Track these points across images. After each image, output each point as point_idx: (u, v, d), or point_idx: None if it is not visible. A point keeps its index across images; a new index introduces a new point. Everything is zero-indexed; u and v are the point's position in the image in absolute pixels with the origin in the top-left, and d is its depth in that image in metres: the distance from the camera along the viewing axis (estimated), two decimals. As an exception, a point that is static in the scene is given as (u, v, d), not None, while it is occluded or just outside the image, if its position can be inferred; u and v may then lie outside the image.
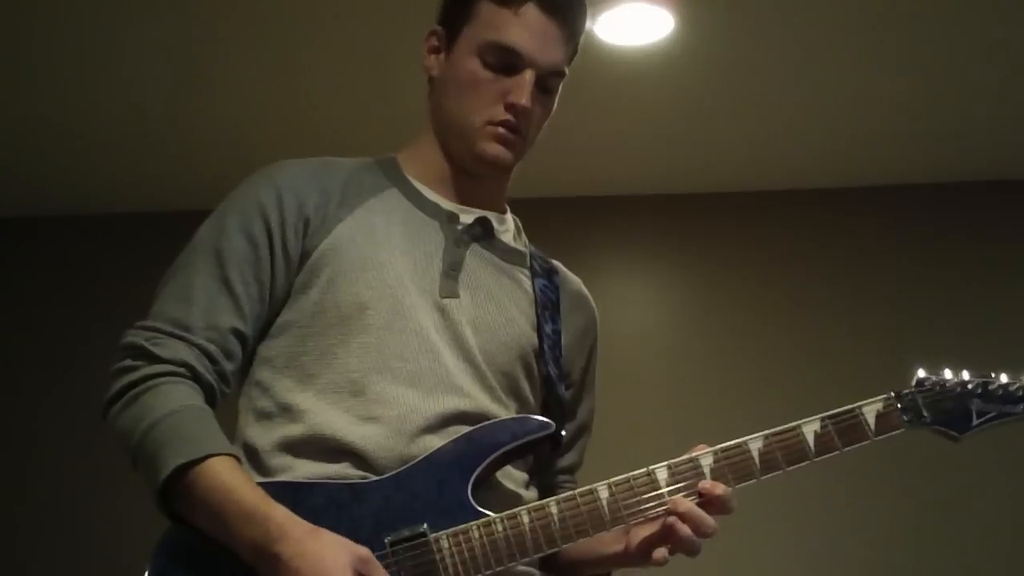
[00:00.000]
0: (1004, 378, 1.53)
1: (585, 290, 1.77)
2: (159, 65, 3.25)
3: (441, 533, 1.35)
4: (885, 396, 1.48)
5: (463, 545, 1.36)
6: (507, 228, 1.68)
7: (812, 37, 3.29)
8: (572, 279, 1.76)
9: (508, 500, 1.48)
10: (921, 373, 1.53)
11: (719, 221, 4.13)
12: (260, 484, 1.36)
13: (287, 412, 1.46)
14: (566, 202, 4.09)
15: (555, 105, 1.61)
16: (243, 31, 3.13)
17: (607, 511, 1.40)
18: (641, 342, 4.01)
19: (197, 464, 1.33)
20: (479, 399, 1.50)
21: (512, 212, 1.71)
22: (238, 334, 1.48)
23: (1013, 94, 3.60)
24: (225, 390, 1.48)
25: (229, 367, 1.47)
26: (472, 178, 1.61)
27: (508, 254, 1.65)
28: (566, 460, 1.71)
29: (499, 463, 1.46)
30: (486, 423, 1.47)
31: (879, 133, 3.83)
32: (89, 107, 3.49)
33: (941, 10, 3.14)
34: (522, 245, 1.70)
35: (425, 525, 1.35)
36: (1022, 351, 3.80)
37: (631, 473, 1.42)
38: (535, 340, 1.60)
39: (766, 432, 1.44)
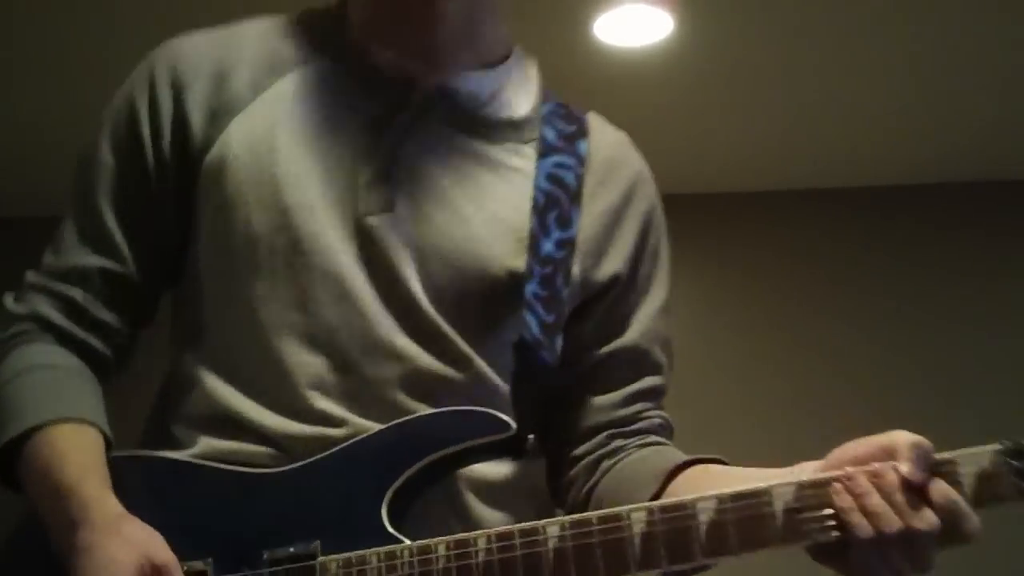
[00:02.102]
0: None
1: (626, 148, 1.27)
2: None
3: (332, 558, 1.02)
4: (995, 447, 0.97)
5: None
6: (495, 88, 1.20)
7: (812, 37, 3.29)
8: (607, 139, 1.25)
9: (464, 515, 1.11)
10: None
11: (719, 222, 4.12)
12: (129, 457, 1.12)
13: (184, 378, 1.16)
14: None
15: None
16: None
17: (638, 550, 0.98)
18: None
19: (27, 439, 1.08)
20: (420, 361, 1.10)
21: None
22: (110, 275, 1.16)
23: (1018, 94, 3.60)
24: (106, 345, 1.18)
25: (107, 316, 1.17)
26: (436, 16, 1.15)
27: (492, 131, 1.18)
28: (611, 394, 1.19)
29: (435, 472, 1.07)
30: (422, 414, 1.08)
31: (879, 133, 3.83)
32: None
33: (942, 10, 3.15)
34: (528, 107, 1.22)
35: (318, 543, 1.02)
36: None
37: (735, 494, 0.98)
38: (520, 265, 1.13)
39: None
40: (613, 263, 1.20)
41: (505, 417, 1.06)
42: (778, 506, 0.96)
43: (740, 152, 3.93)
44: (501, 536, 0.99)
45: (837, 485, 0.97)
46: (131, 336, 1.22)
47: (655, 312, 1.23)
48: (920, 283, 4.04)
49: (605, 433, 1.19)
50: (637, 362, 1.21)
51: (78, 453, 1.08)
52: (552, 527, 0.99)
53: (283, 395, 1.10)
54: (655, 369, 1.23)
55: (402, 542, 1.01)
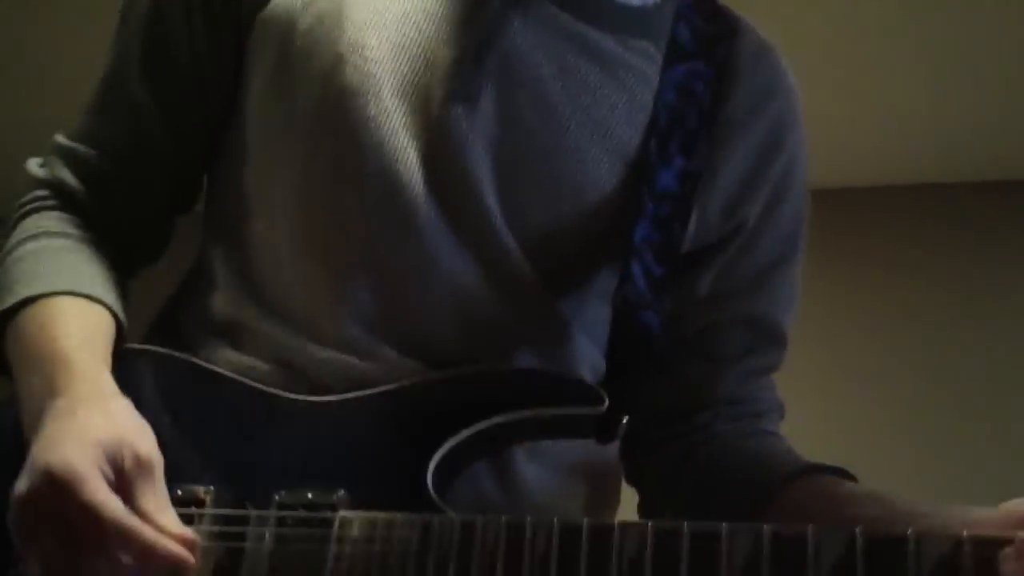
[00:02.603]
0: None
1: (780, 67, 1.06)
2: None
3: (356, 514, 0.82)
4: None
5: (373, 544, 0.81)
6: None
7: (813, 36, 3.27)
8: (761, 53, 1.03)
9: (503, 471, 0.92)
10: None
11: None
12: (140, 351, 0.94)
13: (206, 273, 1.00)
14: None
15: None
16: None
17: None
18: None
19: (20, 311, 0.91)
20: (484, 297, 0.90)
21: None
22: (140, 145, 1.00)
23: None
24: (133, 224, 1.02)
25: (135, 189, 1.00)
26: None
27: (610, 17, 0.93)
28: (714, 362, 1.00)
29: (500, 439, 0.87)
30: (497, 366, 0.89)
31: (880, 133, 3.81)
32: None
33: (944, 10, 3.14)
34: None
35: (342, 492, 0.83)
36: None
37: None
38: (629, 198, 0.91)
39: None
40: (752, 207, 0.97)
41: (599, 389, 0.86)
42: (924, 563, 0.71)
43: None
44: (566, 529, 0.77)
45: (1009, 550, 0.70)
46: (162, 218, 1.04)
47: (795, 277, 1.02)
48: (923, 284, 3.99)
49: (708, 412, 0.97)
50: (764, 332, 1.00)
51: (79, 327, 0.89)
52: (632, 530, 0.75)
53: (310, 315, 0.91)
54: (780, 341, 1.01)
55: (443, 512, 0.82)
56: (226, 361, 0.92)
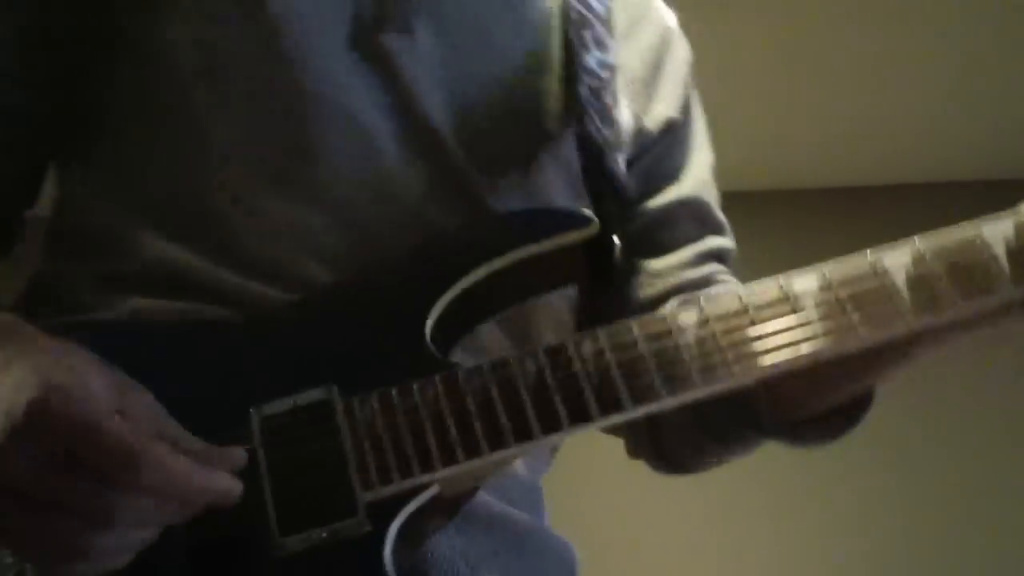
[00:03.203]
0: None
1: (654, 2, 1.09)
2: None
3: (360, 398, 0.79)
4: None
5: (394, 413, 0.78)
6: None
7: (815, 36, 3.25)
8: None
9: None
10: None
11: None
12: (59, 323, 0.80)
13: (95, 231, 0.89)
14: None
15: None
16: None
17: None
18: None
19: None
20: (445, 222, 0.89)
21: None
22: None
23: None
24: None
25: None
26: None
27: None
28: (670, 253, 1.01)
29: (492, 297, 0.85)
30: (468, 221, 0.88)
31: (882, 132, 3.79)
32: None
33: (946, 10, 3.12)
34: None
35: (332, 387, 0.78)
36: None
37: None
38: (555, 87, 0.95)
39: None
40: (666, 107, 1.04)
41: (584, 211, 0.86)
42: (999, 250, 0.81)
43: (741, 151, 3.90)
44: (617, 345, 0.79)
45: None
46: (16, 202, 0.94)
47: (710, 167, 1.07)
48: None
49: (672, 301, 0.97)
50: (700, 217, 1.04)
51: None
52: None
53: (259, 257, 0.86)
54: (721, 229, 1.06)
55: (453, 366, 0.80)
56: (150, 311, 0.85)
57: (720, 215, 1.06)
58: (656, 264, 1.00)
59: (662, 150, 1.03)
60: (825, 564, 3.72)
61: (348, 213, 0.87)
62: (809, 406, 0.89)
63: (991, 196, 3.47)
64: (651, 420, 0.95)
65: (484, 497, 0.86)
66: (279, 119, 0.87)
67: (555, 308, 0.94)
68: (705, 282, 1.00)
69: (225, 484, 0.71)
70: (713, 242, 1.04)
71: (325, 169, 0.87)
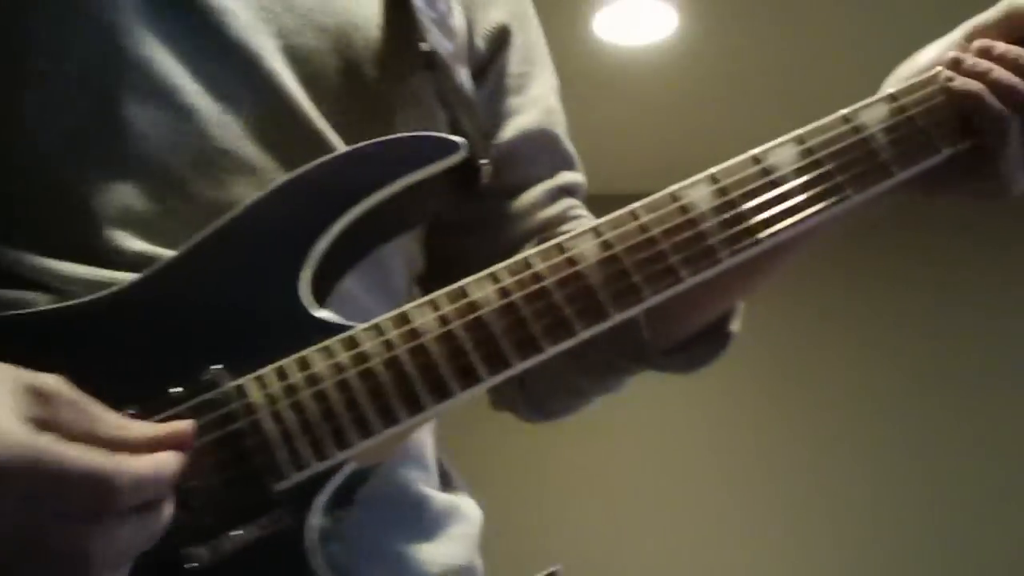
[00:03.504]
0: None
1: None
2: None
3: (251, 377, 0.70)
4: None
5: (300, 393, 0.70)
6: None
7: (819, 34, 3.26)
8: None
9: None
10: None
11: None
12: None
13: None
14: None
15: None
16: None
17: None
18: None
19: None
20: (276, 168, 0.80)
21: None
22: None
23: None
24: None
25: None
26: None
27: None
28: (528, 190, 0.97)
29: (361, 241, 0.78)
30: (326, 158, 0.78)
31: None
32: None
33: (948, 10, 3.10)
34: None
35: (220, 367, 0.70)
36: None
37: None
38: (387, 5, 0.87)
39: None
40: (498, 11, 0.98)
41: (450, 136, 0.79)
42: (877, 134, 0.83)
43: (741, 151, 3.91)
44: (521, 283, 0.74)
45: (943, 73, 0.85)
46: None
47: (553, 90, 1.02)
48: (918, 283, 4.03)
49: (532, 243, 0.93)
50: (549, 150, 1.00)
51: None
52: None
53: (71, 234, 0.77)
54: (570, 163, 1.02)
55: (348, 327, 0.73)
56: None
57: (570, 146, 1.02)
58: (512, 206, 0.96)
59: (499, 70, 0.97)
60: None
61: (165, 178, 0.78)
62: (685, 325, 0.90)
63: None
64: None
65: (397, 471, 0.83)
66: (75, 84, 0.78)
67: (408, 250, 0.89)
68: (561, 219, 0.96)
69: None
70: (564, 177, 0.99)
71: (124, 129, 0.78)
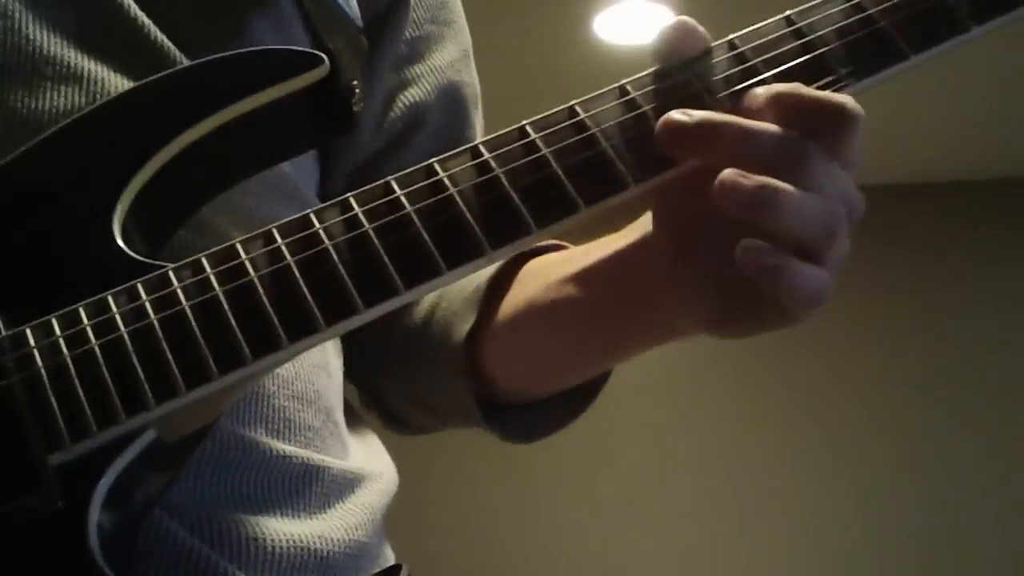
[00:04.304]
0: None
1: None
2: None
3: (31, 325, 0.57)
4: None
5: (88, 344, 0.57)
6: None
7: None
8: None
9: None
10: None
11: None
12: None
13: None
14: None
15: None
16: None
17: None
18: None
19: None
20: (112, 85, 0.69)
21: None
22: None
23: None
24: None
25: None
26: None
27: None
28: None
29: (204, 174, 0.65)
30: (164, 73, 0.65)
31: (883, 131, 3.73)
32: None
33: None
34: None
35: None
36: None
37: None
38: None
39: None
40: None
41: (312, 51, 0.65)
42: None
43: None
44: (374, 212, 0.59)
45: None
46: None
47: (460, 56, 0.91)
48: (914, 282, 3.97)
49: None
50: (449, 125, 0.89)
51: None
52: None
53: None
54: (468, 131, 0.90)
55: (158, 267, 0.59)
56: None
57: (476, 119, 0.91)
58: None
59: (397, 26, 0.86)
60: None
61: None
62: (549, 383, 0.75)
63: (991, 196, 3.50)
64: (375, 387, 0.85)
65: (243, 433, 0.67)
66: None
67: (276, 173, 0.74)
68: None
69: None
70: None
71: None
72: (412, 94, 0.86)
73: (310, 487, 0.71)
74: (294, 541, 0.68)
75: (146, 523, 0.61)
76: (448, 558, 3.44)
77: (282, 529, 0.68)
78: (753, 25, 0.69)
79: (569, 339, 0.72)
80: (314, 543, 0.69)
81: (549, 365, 0.74)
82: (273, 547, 0.67)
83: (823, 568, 3.66)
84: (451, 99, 0.89)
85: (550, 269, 0.74)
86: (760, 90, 0.61)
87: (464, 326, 0.75)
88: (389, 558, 0.78)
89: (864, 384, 3.82)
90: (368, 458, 0.80)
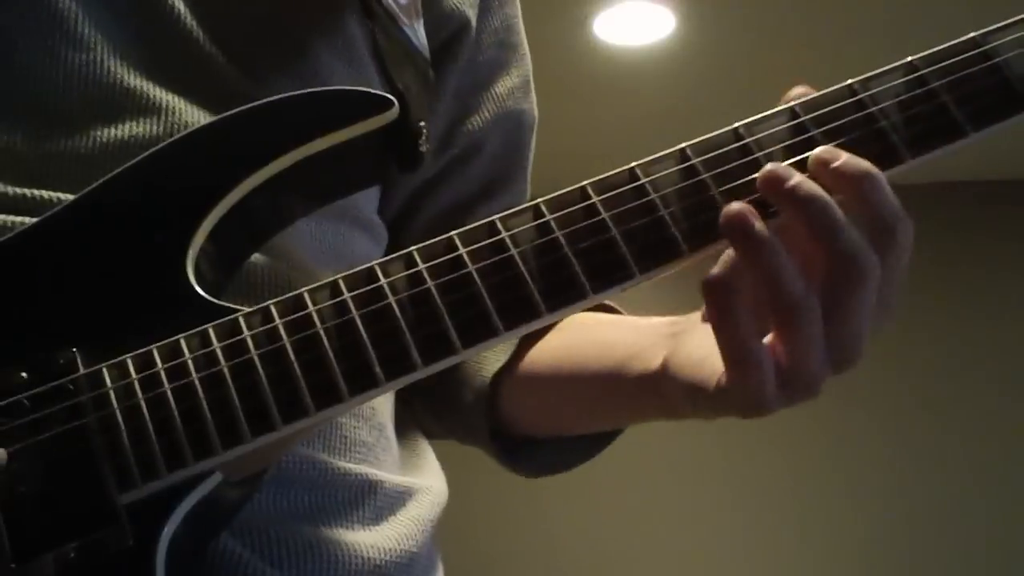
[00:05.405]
0: None
1: None
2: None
3: (107, 365, 0.59)
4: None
5: (161, 387, 0.58)
6: None
7: (817, 35, 3.25)
8: None
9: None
10: None
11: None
12: None
13: None
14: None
15: None
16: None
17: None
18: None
19: None
20: (188, 115, 0.71)
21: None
22: None
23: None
24: None
25: None
26: None
27: None
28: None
29: (268, 213, 0.67)
30: (237, 111, 0.66)
31: None
32: None
33: (949, 10, 3.10)
34: None
35: (76, 355, 0.59)
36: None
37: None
38: None
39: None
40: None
41: (381, 93, 0.67)
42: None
43: None
44: (437, 269, 0.61)
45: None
46: None
47: (523, 94, 0.92)
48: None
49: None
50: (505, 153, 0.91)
51: None
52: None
53: None
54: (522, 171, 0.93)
55: (230, 311, 0.61)
56: None
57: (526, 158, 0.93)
58: (451, 212, 0.87)
59: (476, 48, 0.87)
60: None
61: (43, 114, 0.69)
62: (563, 427, 0.80)
63: (991, 196, 3.52)
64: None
65: (302, 451, 0.69)
66: None
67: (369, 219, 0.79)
68: None
69: None
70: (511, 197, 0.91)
71: (9, 70, 0.69)
72: (473, 122, 0.88)
73: (365, 501, 0.74)
74: (348, 550, 0.71)
75: (212, 546, 0.63)
76: (450, 559, 3.45)
77: (337, 539, 0.71)
78: (818, 91, 0.72)
79: (584, 408, 0.78)
80: (367, 551, 0.71)
81: (563, 423, 0.80)
82: (328, 556, 0.70)
83: (823, 568, 3.69)
84: (510, 128, 0.91)
85: (591, 328, 0.77)
86: (831, 166, 0.64)
87: (495, 364, 0.79)
88: (439, 567, 0.81)
89: (864, 384, 3.85)
90: (420, 470, 0.83)
